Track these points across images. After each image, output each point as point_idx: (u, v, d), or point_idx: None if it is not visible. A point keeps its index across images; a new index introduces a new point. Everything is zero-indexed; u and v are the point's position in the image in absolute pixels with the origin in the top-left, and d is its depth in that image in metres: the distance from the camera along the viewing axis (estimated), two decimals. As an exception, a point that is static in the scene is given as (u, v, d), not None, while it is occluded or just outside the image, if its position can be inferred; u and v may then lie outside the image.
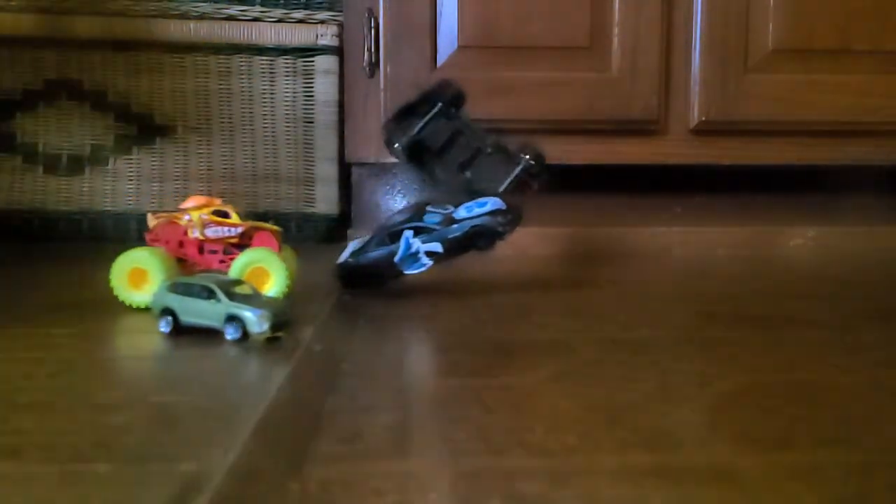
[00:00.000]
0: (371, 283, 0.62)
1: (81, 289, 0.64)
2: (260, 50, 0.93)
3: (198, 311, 0.47)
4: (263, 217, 0.94)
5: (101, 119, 0.93)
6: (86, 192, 0.93)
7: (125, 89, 0.93)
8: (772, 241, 0.91)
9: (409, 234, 0.59)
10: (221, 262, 0.58)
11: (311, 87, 0.94)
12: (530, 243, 0.94)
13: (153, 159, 0.94)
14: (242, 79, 0.93)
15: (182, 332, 0.48)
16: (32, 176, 0.93)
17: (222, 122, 0.94)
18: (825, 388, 0.38)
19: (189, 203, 0.59)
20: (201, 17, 0.91)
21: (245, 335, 0.46)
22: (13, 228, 0.93)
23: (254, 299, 0.48)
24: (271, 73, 0.94)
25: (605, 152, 0.88)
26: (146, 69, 0.93)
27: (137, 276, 0.55)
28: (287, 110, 0.94)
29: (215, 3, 0.91)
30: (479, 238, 0.58)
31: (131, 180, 0.94)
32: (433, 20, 0.85)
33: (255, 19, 0.92)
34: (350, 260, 0.62)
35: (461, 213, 0.59)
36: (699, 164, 0.88)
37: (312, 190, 0.95)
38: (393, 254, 0.59)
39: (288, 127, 0.94)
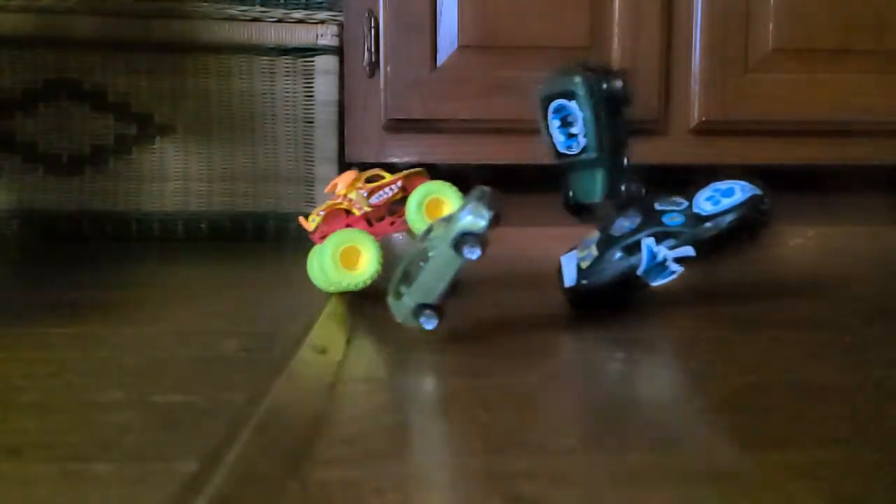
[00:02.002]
0: (611, 302, 0.55)
1: (81, 289, 0.64)
2: (260, 50, 0.93)
3: (433, 275, 0.43)
4: (262, 217, 0.95)
5: (101, 119, 0.93)
6: (86, 192, 0.93)
7: (125, 89, 0.93)
8: (772, 240, 0.91)
9: (649, 241, 0.52)
10: (392, 223, 0.58)
11: (311, 87, 0.94)
12: (529, 243, 0.94)
13: (153, 159, 0.94)
14: (242, 79, 0.93)
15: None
16: (32, 176, 0.93)
17: (222, 122, 0.94)
18: (825, 388, 0.38)
19: (339, 187, 0.58)
20: (201, 16, 0.91)
21: (482, 244, 0.42)
22: (13, 228, 0.93)
23: (451, 215, 0.45)
24: (271, 73, 0.94)
25: (605, 152, 0.88)
26: (146, 69, 0.93)
27: (350, 256, 0.55)
28: (287, 110, 0.94)
29: (215, 3, 0.91)
30: (741, 233, 0.51)
31: (131, 180, 0.94)
32: (433, 20, 0.85)
33: (255, 19, 0.92)
34: (585, 282, 0.54)
35: (705, 206, 0.52)
36: (699, 164, 0.88)
37: (312, 190, 0.95)
38: (634, 267, 0.52)
39: (288, 127, 0.94)
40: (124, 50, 0.92)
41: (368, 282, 0.55)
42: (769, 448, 0.30)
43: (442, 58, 0.85)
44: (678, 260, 0.51)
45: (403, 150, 0.88)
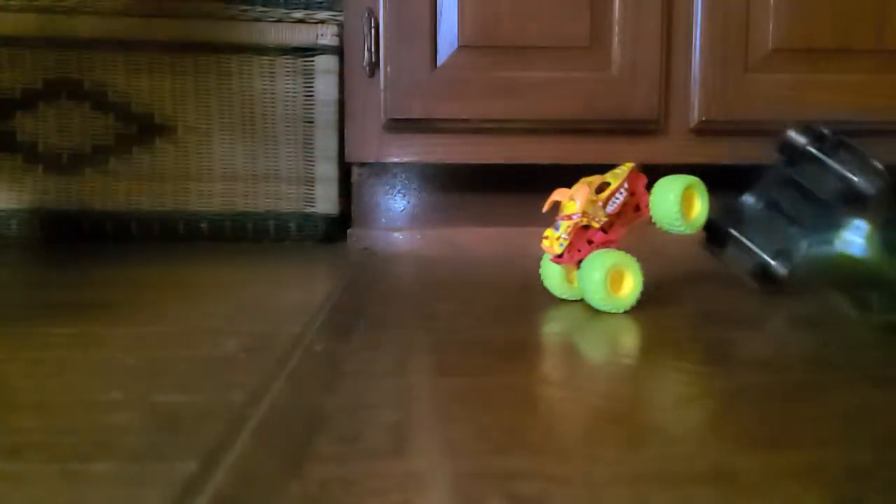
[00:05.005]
0: None
1: (81, 289, 0.64)
2: (260, 50, 0.93)
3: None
4: (262, 217, 0.95)
5: (101, 119, 0.93)
6: (86, 192, 0.93)
7: (125, 89, 0.93)
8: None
9: None
10: (622, 225, 0.59)
11: (311, 87, 0.94)
12: (529, 243, 0.94)
13: (153, 159, 0.94)
14: (242, 79, 0.93)
15: None
16: (32, 176, 0.93)
17: (222, 122, 0.94)
18: (825, 388, 0.38)
19: (577, 204, 0.57)
20: (201, 16, 0.91)
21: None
22: (13, 228, 0.93)
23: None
24: (271, 73, 0.94)
25: (605, 152, 0.88)
26: (146, 69, 0.93)
27: (616, 279, 0.56)
28: (287, 110, 0.94)
29: (216, 2, 0.91)
30: None
31: (131, 180, 0.94)
32: (433, 20, 0.85)
33: (255, 19, 0.92)
34: None
35: None
36: (699, 164, 0.88)
37: (312, 190, 0.95)
38: None
39: (288, 127, 0.94)
40: (124, 50, 0.92)
41: (631, 306, 0.56)
42: (769, 448, 0.30)
43: (442, 58, 0.85)
44: None
45: (403, 150, 0.88)
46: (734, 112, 0.87)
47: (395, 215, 0.97)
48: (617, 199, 0.57)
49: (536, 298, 0.62)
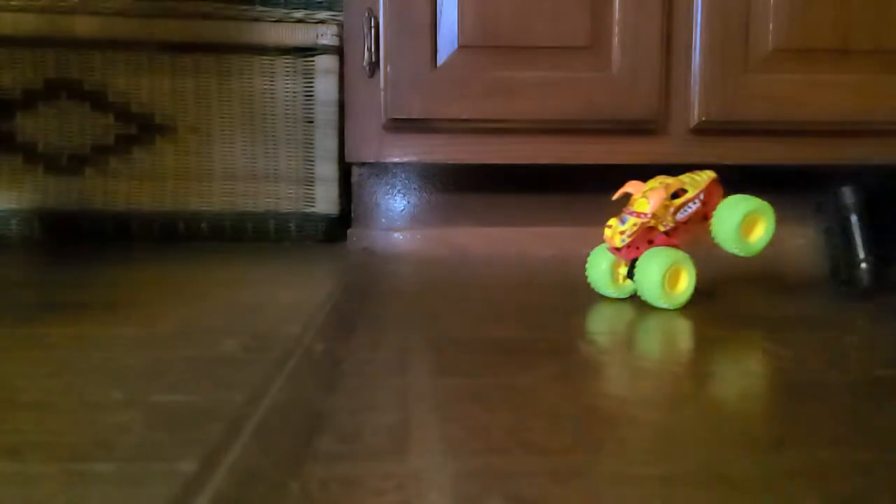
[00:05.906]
0: None
1: (81, 289, 0.64)
2: (260, 50, 0.93)
3: None
4: (262, 217, 0.95)
5: (101, 119, 0.93)
6: (86, 192, 0.93)
7: (125, 89, 0.93)
8: (772, 240, 0.91)
9: None
10: (686, 231, 0.58)
11: (311, 87, 0.94)
12: (530, 243, 0.94)
13: (153, 159, 0.94)
14: (242, 79, 0.93)
15: None
16: (32, 176, 0.93)
17: (222, 122, 0.94)
18: (824, 388, 0.38)
19: (650, 204, 0.56)
20: (201, 16, 0.91)
21: None
22: (13, 228, 0.93)
23: None
24: (271, 73, 0.94)
25: (605, 152, 0.88)
26: (146, 69, 0.93)
27: (673, 277, 0.56)
28: (287, 110, 0.94)
29: (215, 2, 0.91)
30: None
31: (131, 180, 0.94)
32: (433, 20, 0.85)
33: (255, 19, 0.92)
34: None
35: None
36: (699, 164, 0.88)
37: (312, 190, 0.95)
38: None
39: (288, 127, 0.94)
40: (124, 50, 0.92)
41: (685, 304, 0.57)
42: (769, 448, 0.30)
43: (442, 58, 0.85)
44: None
45: (403, 150, 0.88)
46: (734, 112, 0.87)
47: (395, 215, 0.97)
48: (690, 208, 0.57)
49: (536, 298, 0.62)
